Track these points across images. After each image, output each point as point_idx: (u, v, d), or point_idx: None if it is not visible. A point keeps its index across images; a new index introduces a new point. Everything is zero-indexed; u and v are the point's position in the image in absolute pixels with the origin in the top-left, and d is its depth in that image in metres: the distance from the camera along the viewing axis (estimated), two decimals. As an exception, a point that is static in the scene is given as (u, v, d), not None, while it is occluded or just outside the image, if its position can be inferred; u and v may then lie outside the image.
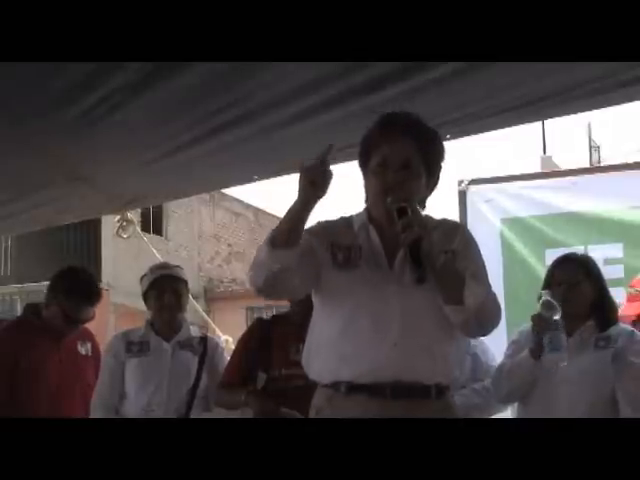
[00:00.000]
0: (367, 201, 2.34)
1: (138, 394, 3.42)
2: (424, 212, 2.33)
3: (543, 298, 2.93)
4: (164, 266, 3.71)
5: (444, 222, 2.36)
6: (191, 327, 3.61)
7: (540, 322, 2.89)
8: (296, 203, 2.13)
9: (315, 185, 2.10)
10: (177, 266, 3.68)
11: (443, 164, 2.36)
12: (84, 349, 3.69)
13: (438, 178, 2.37)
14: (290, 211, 2.15)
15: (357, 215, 2.35)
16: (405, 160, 2.25)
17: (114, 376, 3.46)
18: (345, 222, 2.36)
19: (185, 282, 3.62)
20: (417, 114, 2.33)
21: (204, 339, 3.59)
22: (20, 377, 3.49)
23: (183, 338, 3.52)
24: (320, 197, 2.13)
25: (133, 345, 3.49)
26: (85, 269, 3.88)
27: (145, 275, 3.61)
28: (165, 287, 3.52)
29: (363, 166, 2.34)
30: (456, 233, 2.31)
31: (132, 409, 3.40)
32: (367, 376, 2.18)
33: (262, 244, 2.19)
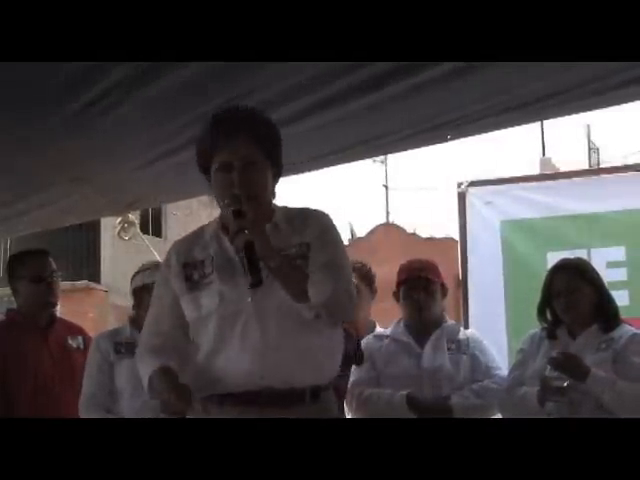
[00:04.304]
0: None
1: (133, 396, 3.35)
2: (275, 201, 2.31)
3: (549, 373, 2.92)
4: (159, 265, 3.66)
5: (300, 213, 2.30)
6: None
7: (547, 389, 2.91)
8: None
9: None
10: None
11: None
12: (75, 343, 3.63)
13: (281, 165, 2.32)
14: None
15: (208, 225, 2.31)
16: (246, 157, 2.20)
17: (103, 375, 3.38)
18: (196, 235, 2.32)
19: None
20: (250, 107, 2.28)
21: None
22: (12, 375, 3.46)
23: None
24: None
25: (121, 346, 3.41)
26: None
27: (138, 273, 3.54)
28: None
29: (205, 172, 2.27)
30: (309, 224, 2.24)
31: (127, 410, 3.37)
32: (237, 388, 2.14)
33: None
